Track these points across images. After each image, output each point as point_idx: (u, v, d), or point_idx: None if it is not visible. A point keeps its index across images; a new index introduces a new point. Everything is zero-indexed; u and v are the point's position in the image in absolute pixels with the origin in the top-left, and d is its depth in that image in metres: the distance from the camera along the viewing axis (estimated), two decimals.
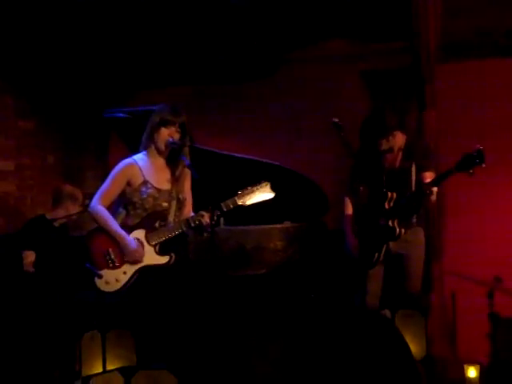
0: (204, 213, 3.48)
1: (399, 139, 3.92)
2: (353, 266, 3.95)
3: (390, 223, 3.80)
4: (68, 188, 4.76)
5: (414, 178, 3.89)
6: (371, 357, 1.82)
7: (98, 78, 5.82)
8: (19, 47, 5.31)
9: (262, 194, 3.52)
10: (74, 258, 3.91)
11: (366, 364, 1.84)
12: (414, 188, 3.87)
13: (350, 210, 4.07)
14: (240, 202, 3.50)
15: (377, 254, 3.83)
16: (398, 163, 3.94)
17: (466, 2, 4.78)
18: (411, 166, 3.90)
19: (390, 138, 3.87)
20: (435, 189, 3.69)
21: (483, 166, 3.53)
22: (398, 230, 3.80)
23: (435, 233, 4.67)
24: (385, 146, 3.87)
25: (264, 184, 3.53)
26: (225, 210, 3.49)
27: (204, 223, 3.47)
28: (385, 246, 3.84)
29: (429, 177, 3.84)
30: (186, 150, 3.60)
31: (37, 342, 3.98)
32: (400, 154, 3.94)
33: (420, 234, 3.99)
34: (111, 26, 5.32)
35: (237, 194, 3.50)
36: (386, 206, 3.82)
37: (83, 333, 3.40)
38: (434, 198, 3.77)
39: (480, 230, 4.88)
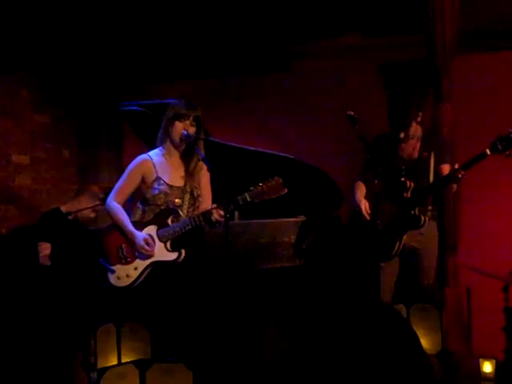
0: (214, 210, 3.46)
1: (418, 128, 3.90)
2: (367, 260, 3.92)
3: (413, 212, 3.79)
4: (92, 186, 4.83)
5: (432, 168, 3.87)
6: (382, 351, 1.82)
7: (112, 72, 5.83)
8: (34, 41, 5.34)
9: (274, 191, 3.46)
10: (87, 252, 3.94)
11: (377, 359, 1.84)
12: (431, 178, 3.85)
13: (363, 195, 4.03)
14: (251, 199, 3.44)
15: (398, 244, 3.81)
16: (416, 153, 3.92)
17: None
18: (430, 157, 3.88)
19: (413, 126, 3.85)
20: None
21: None
22: (423, 218, 3.79)
23: (451, 226, 4.63)
24: (408, 133, 3.85)
25: (276, 180, 3.46)
26: (234, 207, 3.46)
27: (213, 220, 3.46)
28: (404, 237, 3.81)
29: (446, 169, 3.82)
30: (201, 143, 3.60)
31: (52, 334, 4.01)
32: (418, 144, 3.92)
33: (434, 228, 3.96)
34: (125, 19, 5.32)
35: (248, 191, 3.46)
36: (405, 195, 3.81)
37: (98, 326, 3.42)
38: (455, 187, 3.75)
39: (496, 224, 4.85)
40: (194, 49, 5.59)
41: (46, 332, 4.03)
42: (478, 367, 3.60)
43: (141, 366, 2.88)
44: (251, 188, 3.46)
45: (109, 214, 3.62)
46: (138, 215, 3.62)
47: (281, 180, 3.46)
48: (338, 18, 5.23)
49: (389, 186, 3.84)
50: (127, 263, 3.54)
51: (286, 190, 3.47)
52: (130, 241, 3.54)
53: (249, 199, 3.44)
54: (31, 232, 4.62)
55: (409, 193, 3.83)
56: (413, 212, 3.81)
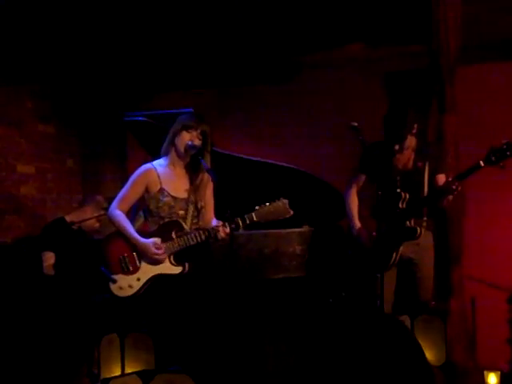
0: (220, 227, 3.46)
1: (413, 139, 3.90)
2: (366, 270, 3.91)
3: (408, 223, 3.79)
4: (96, 196, 4.84)
5: (426, 178, 3.87)
6: (386, 361, 1.82)
7: (116, 82, 5.85)
8: (39, 52, 5.36)
9: (280, 213, 3.45)
10: (91, 261, 3.94)
11: (380, 368, 1.84)
12: (426, 189, 3.85)
13: (356, 204, 4.04)
14: (257, 219, 3.45)
15: (394, 255, 3.81)
16: (411, 164, 3.93)
17: (486, 4, 4.74)
18: (424, 167, 3.88)
19: (408, 138, 3.85)
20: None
21: None
22: (419, 229, 3.79)
23: (455, 237, 4.63)
24: (403, 145, 3.85)
25: (282, 202, 3.45)
26: (241, 225, 3.45)
27: (219, 238, 3.47)
28: (401, 248, 3.81)
29: (442, 179, 3.83)
30: (207, 156, 3.60)
31: (57, 344, 4.01)
32: (413, 154, 3.93)
33: (430, 239, 3.96)
34: (128, 30, 5.34)
35: (255, 210, 3.45)
36: (400, 206, 3.82)
37: (102, 336, 3.41)
38: (451, 198, 3.74)
39: (500, 234, 4.83)
40: (195, 59, 5.61)
41: (50, 342, 4.02)
42: (483, 379, 3.59)
43: (144, 376, 2.88)
44: (257, 208, 3.45)
45: (112, 221, 3.62)
46: (138, 224, 3.63)
47: (287, 201, 3.45)
48: (340, 28, 5.24)
49: (384, 197, 3.84)
50: (129, 273, 3.53)
51: (292, 213, 3.46)
52: (137, 248, 3.52)
53: (255, 219, 3.45)
54: (35, 242, 4.62)
55: (404, 204, 3.83)
56: (408, 223, 3.81)
